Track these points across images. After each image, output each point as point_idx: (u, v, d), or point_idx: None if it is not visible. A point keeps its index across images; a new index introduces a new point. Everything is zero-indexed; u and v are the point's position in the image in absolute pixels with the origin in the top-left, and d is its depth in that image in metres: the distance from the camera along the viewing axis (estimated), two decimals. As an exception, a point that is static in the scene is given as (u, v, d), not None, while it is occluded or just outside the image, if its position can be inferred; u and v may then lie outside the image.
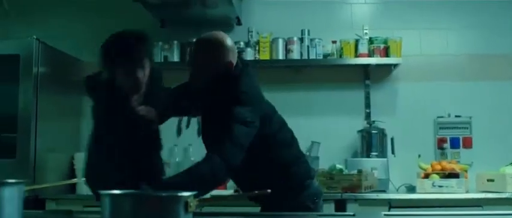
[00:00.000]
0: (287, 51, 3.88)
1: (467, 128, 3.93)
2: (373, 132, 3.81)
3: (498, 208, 3.15)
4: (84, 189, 3.19)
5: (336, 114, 3.98)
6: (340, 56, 3.88)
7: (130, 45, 2.04)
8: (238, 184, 2.46)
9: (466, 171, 3.55)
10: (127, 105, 2.11)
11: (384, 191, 3.54)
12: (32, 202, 3.17)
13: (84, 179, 1.66)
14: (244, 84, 2.16)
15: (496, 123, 3.90)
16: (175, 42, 3.97)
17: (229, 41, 2.19)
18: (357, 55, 3.86)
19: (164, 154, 3.82)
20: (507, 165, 3.51)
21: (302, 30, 3.91)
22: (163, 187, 1.97)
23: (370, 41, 3.87)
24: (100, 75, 2.12)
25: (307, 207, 2.28)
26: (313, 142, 3.77)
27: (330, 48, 3.91)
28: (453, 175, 3.44)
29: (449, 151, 3.91)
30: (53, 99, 3.61)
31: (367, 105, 3.99)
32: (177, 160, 3.92)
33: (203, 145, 2.26)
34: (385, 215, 1.89)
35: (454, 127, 3.94)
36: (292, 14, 4.08)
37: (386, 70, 3.98)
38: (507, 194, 3.27)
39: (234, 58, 2.19)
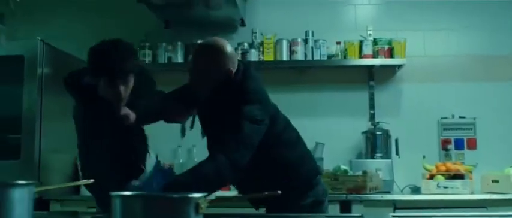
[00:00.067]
0: (291, 52, 3.88)
1: (471, 129, 3.92)
2: (377, 133, 3.81)
3: (503, 209, 3.15)
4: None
5: (340, 115, 3.98)
6: (344, 57, 3.88)
7: (115, 60, 2.04)
8: (239, 186, 2.42)
9: (470, 172, 3.55)
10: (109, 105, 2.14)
11: (388, 192, 3.54)
12: (36, 203, 3.16)
13: (92, 180, 1.66)
14: (251, 83, 2.15)
15: (501, 124, 3.89)
16: (179, 43, 3.97)
17: (229, 47, 2.16)
18: (361, 56, 3.86)
19: (168, 155, 3.90)
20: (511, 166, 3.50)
21: (306, 31, 3.91)
22: (167, 187, 1.98)
23: (374, 41, 3.87)
24: (84, 73, 2.12)
25: (314, 206, 2.27)
26: (317, 143, 3.77)
27: (334, 49, 3.90)
28: (458, 176, 3.44)
29: (453, 152, 3.91)
30: (57, 99, 3.57)
31: (372, 106, 3.99)
32: (181, 161, 3.93)
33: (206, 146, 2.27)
34: (392, 216, 1.89)
35: (459, 128, 3.93)
36: (296, 15, 4.07)
37: (391, 71, 3.98)
38: (512, 195, 3.27)
39: (234, 64, 2.16)
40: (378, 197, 3.34)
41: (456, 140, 3.92)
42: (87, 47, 2.07)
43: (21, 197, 1.25)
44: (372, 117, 3.97)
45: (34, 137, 3.35)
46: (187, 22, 3.93)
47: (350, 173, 3.48)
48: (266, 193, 1.35)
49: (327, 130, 3.90)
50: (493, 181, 3.45)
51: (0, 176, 3.15)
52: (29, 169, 3.32)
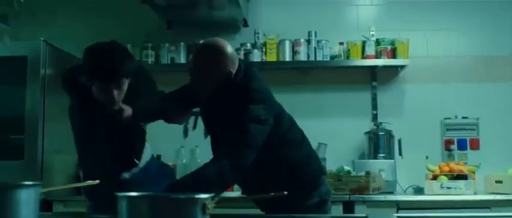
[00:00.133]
0: (294, 52, 3.88)
1: (474, 129, 3.92)
2: (380, 133, 3.80)
3: (507, 210, 3.14)
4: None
5: (343, 115, 3.98)
6: (347, 58, 3.87)
7: (108, 64, 2.04)
8: (244, 185, 2.42)
9: (474, 173, 3.54)
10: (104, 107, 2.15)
11: (391, 192, 3.53)
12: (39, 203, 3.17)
13: (98, 181, 1.66)
14: (255, 82, 2.14)
15: (503, 124, 3.89)
16: (182, 43, 3.98)
17: (229, 48, 2.14)
18: (363, 56, 3.86)
19: (171, 156, 3.90)
20: (515, 167, 3.51)
21: (309, 32, 3.91)
22: (169, 189, 1.98)
23: (377, 42, 3.86)
24: (82, 71, 2.13)
25: (318, 206, 2.27)
26: (320, 144, 3.76)
27: (336, 49, 3.90)
28: (461, 176, 3.43)
29: (456, 152, 3.90)
30: (60, 100, 3.56)
31: (374, 107, 3.99)
32: (183, 161, 3.93)
33: (210, 147, 2.27)
34: (397, 217, 1.88)
35: (461, 129, 3.93)
36: (299, 16, 4.07)
37: (394, 71, 3.98)
38: (516, 195, 3.26)
39: (234, 65, 2.13)
40: (381, 197, 3.34)
41: (459, 140, 3.91)
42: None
43: (27, 199, 1.25)
44: (374, 117, 3.96)
45: (37, 138, 3.35)
46: (190, 22, 3.93)
47: (353, 173, 3.48)
48: (272, 193, 1.35)
49: (330, 130, 3.89)
50: (496, 182, 3.45)
51: (3, 177, 3.14)
52: (32, 169, 3.32)
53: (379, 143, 3.78)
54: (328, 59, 3.87)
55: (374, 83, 4.01)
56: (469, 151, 3.90)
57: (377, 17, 4.10)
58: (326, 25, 4.01)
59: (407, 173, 3.72)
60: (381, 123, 3.86)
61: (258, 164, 2.03)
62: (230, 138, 2.03)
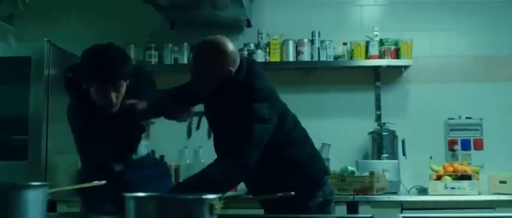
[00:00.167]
0: (297, 53, 3.88)
1: (478, 130, 3.91)
2: (383, 133, 3.80)
3: (511, 210, 3.14)
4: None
5: (347, 115, 3.97)
6: (351, 58, 3.87)
7: (105, 68, 2.04)
8: (248, 184, 2.41)
9: (477, 173, 3.54)
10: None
11: (395, 193, 3.53)
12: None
13: (104, 182, 1.66)
14: (258, 81, 2.13)
15: (507, 124, 3.88)
16: (185, 44, 3.97)
17: (230, 45, 2.12)
18: (367, 56, 3.85)
19: (174, 156, 3.89)
20: (519, 167, 3.50)
21: (312, 32, 3.91)
22: (174, 189, 1.98)
23: (381, 42, 3.86)
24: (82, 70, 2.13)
25: (322, 206, 2.27)
26: (323, 144, 3.75)
27: (340, 49, 3.89)
28: (465, 176, 3.44)
29: (460, 152, 3.89)
30: (64, 101, 3.58)
31: (378, 107, 3.98)
32: (187, 162, 3.93)
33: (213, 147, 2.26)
34: (403, 217, 1.88)
35: (465, 129, 3.92)
36: (303, 16, 4.07)
37: (397, 71, 3.97)
38: (520, 196, 3.26)
39: (235, 63, 2.12)
40: (385, 198, 3.33)
41: (463, 141, 3.91)
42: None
43: (35, 199, 1.25)
44: (378, 117, 3.96)
45: (41, 138, 3.37)
46: (193, 23, 3.92)
47: (357, 174, 3.47)
48: (280, 194, 1.35)
49: (333, 130, 3.89)
50: (500, 182, 3.44)
51: (7, 178, 3.15)
52: (36, 170, 3.33)
53: (383, 143, 3.78)
54: (332, 59, 3.87)
55: (377, 83, 4.00)
56: (472, 152, 3.89)
57: (381, 17, 4.10)
58: (330, 25, 4.01)
59: (411, 173, 3.72)
60: (384, 123, 3.86)
61: (262, 163, 2.02)
62: (234, 137, 2.02)
